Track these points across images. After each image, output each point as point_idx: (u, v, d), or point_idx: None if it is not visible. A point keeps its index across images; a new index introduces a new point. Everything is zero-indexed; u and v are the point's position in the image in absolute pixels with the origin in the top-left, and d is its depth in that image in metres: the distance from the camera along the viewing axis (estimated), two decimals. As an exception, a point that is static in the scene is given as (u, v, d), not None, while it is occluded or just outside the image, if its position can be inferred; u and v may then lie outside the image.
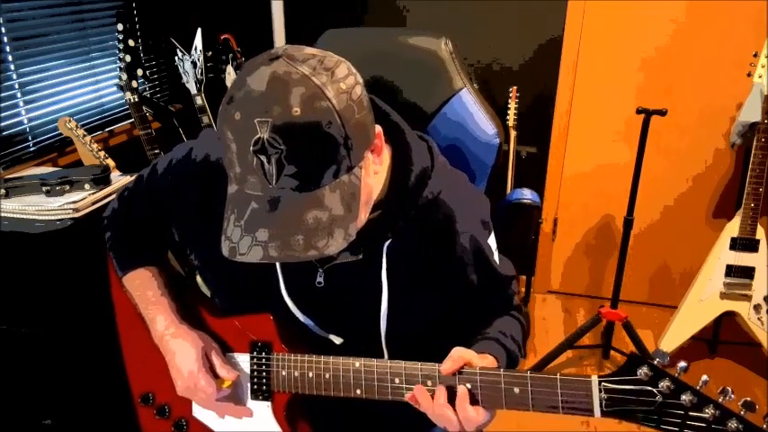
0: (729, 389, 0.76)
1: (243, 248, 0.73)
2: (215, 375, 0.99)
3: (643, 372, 0.78)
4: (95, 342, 1.44)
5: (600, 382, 0.80)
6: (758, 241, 2.17)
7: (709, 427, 0.76)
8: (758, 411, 0.75)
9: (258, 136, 0.70)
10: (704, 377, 0.77)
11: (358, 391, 0.93)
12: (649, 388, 0.78)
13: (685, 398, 0.77)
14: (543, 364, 2.37)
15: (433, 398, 0.86)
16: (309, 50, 0.77)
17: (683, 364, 0.78)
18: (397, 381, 0.90)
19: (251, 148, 0.71)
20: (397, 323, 0.96)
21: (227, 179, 0.90)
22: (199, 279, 1.23)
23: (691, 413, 0.77)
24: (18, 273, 1.50)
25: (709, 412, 0.76)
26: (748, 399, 0.75)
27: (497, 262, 1.01)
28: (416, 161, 0.91)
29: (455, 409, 0.84)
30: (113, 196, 1.42)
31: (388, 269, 0.93)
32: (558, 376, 0.83)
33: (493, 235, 1.01)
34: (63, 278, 1.52)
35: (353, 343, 0.99)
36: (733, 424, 0.75)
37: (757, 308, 2.19)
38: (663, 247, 2.81)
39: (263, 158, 0.71)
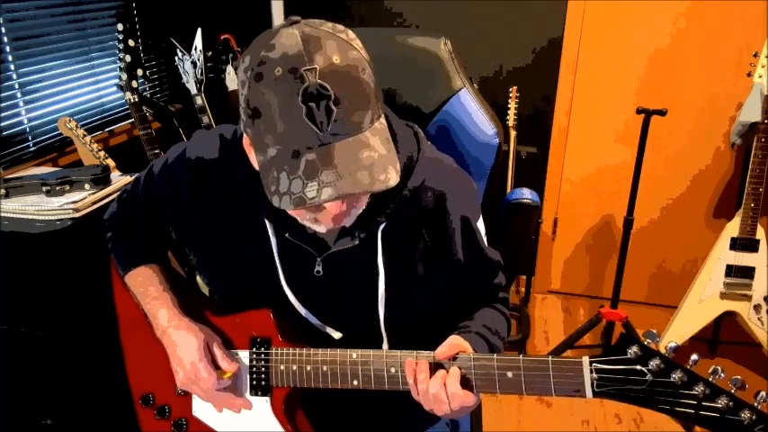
0: (719, 368, 0.77)
1: (311, 194, 0.73)
2: (216, 367, 1.00)
3: (633, 351, 0.80)
4: (95, 342, 1.44)
5: (591, 363, 0.82)
6: (758, 241, 2.17)
7: (699, 405, 0.77)
8: (748, 389, 0.76)
9: (306, 84, 0.72)
10: (694, 356, 0.78)
11: (355, 383, 0.94)
12: (639, 367, 0.79)
13: (675, 376, 0.78)
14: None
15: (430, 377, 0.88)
16: (318, 20, 0.81)
17: (672, 344, 0.79)
18: (393, 370, 0.91)
19: (299, 98, 0.73)
20: (394, 307, 0.98)
21: (217, 176, 0.93)
22: (199, 279, 1.24)
23: (681, 391, 0.78)
24: (18, 273, 1.50)
25: (699, 390, 0.77)
26: (738, 377, 0.76)
27: (486, 246, 1.04)
28: (402, 148, 0.93)
29: (446, 390, 0.87)
30: (113, 196, 1.42)
31: (383, 253, 0.95)
32: (549, 358, 0.84)
33: (481, 219, 1.03)
34: (63, 278, 1.52)
35: (352, 333, 1.00)
36: (723, 401, 0.76)
37: (757, 308, 2.19)
38: (663, 247, 2.81)
39: (313, 106, 0.73)
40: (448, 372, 0.88)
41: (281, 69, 0.73)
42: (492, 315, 1.05)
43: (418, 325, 0.99)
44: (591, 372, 0.82)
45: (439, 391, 0.86)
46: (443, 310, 1.04)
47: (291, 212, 0.86)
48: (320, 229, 0.87)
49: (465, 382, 0.88)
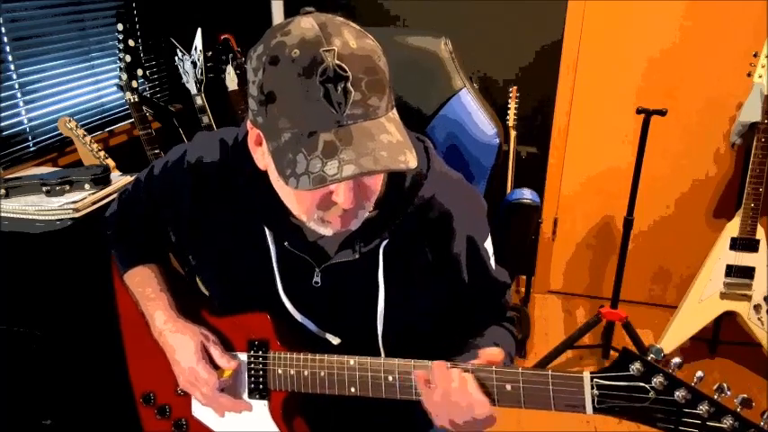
0: (725, 385, 0.74)
1: (331, 171, 0.72)
2: (215, 367, 0.99)
3: (635, 367, 0.77)
4: (95, 342, 1.44)
5: (592, 379, 0.79)
6: (758, 241, 2.17)
7: (704, 425, 0.74)
8: (755, 408, 0.74)
9: (325, 65, 0.72)
10: (699, 373, 0.75)
11: (352, 389, 0.93)
12: (642, 384, 0.77)
13: (679, 394, 0.75)
14: (543, 363, 2.37)
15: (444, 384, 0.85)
16: (328, 14, 0.80)
17: (676, 359, 0.77)
18: (390, 378, 0.90)
19: (317, 78, 0.72)
20: (393, 323, 0.96)
21: (216, 182, 0.93)
22: (198, 279, 1.23)
23: (685, 410, 0.75)
24: (18, 273, 1.50)
25: (703, 409, 0.74)
26: (745, 395, 0.73)
27: (493, 266, 1.01)
28: None
29: (468, 396, 0.83)
30: (113, 196, 1.42)
31: (384, 269, 0.93)
32: (549, 372, 0.82)
33: (490, 240, 1.00)
34: (63, 278, 1.52)
35: (350, 343, 0.99)
36: (728, 421, 0.73)
37: (757, 308, 2.19)
38: (663, 247, 2.81)
39: (330, 86, 0.72)
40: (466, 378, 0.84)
41: (299, 51, 0.73)
42: (501, 334, 1.03)
43: (416, 340, 0.97)
44: (592, 387, 0.79)
45: (460, 398, 0.83)
46: (446, 328, 1.02)
47: (298, 213, 0.84)
48: (326, 231, 0.85)
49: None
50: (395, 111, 0.81)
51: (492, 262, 1.01)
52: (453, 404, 0.84)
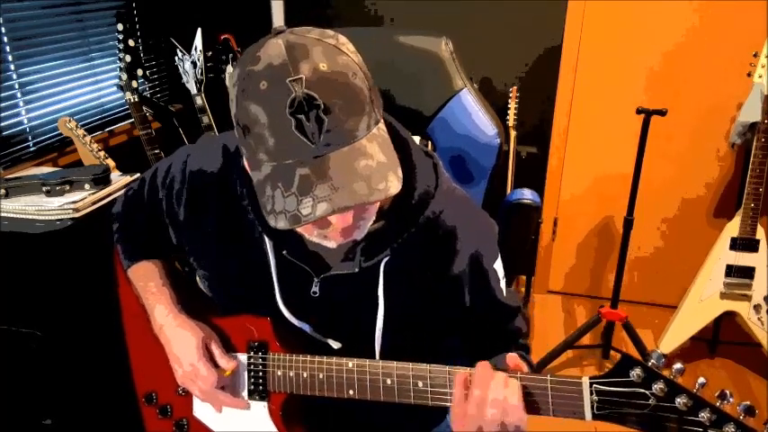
0: (728, 392, 0.73)
1: (305, 211, 0.70)
2: (215, 365, 0.99)
3: (636, 373, 0.76)
4: (96, 342, 1.44)
5: (591, 384, 0.78)
6: (758, 241, 2.17)
7: None
8: (758, 416, 0.73)
9: (293, 96, 0.70)
10: (701, 379, 0.74)
11: (351, 392, 0.93)
12: (642, 390, 0.76)
13: (680, 401, 0.74)
14: (543, 364, 2.37)
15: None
16: (305, 27, 0.78)
17: (678, 365, 0.75)
18: (388, 381, 0.90)
19: (287, 111, 0.70)
20: (392, 339, 0.95)
21: (211, 195, 0.92)
22: (198, 279, 1.24)
23: (686, 417, 0.74)
24: (18, 273, 1.50)
25: (705, 416, 0.73)
26: (748, 402, 0.72)
27: (502, 289, 0.98)
28: (420, 180, 0.90)
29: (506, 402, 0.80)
30: (114, 196, 1.41)
31: (384, 286, 0.92)
32: (548, 377, 0.81)
33: (500, 261, 0.98)
34: (63, 278, 1.52)
35: (349, 352, 0.98)
36: (730, 429, 0.72)
37: (757, 308, 2.19)
38: (663, 247, 2.81)
39: (302, 117, 0.70)
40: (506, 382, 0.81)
41: (266, 83, 0.71)
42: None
43: (415, 355, 0.93)
44: (591, 393, 0.78)
45: (499, 401, 0.79)
46: (449, 346, 1.00)
47: (300, 230, 0.83)
48: (330, 244, 0.83)
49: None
50: (380, 125, 0.78)
51: (502, 285, 0.98)
52: (492, 401, 0.80)
